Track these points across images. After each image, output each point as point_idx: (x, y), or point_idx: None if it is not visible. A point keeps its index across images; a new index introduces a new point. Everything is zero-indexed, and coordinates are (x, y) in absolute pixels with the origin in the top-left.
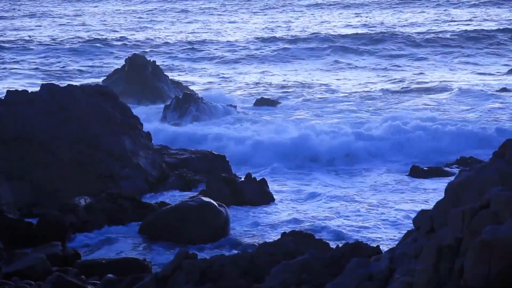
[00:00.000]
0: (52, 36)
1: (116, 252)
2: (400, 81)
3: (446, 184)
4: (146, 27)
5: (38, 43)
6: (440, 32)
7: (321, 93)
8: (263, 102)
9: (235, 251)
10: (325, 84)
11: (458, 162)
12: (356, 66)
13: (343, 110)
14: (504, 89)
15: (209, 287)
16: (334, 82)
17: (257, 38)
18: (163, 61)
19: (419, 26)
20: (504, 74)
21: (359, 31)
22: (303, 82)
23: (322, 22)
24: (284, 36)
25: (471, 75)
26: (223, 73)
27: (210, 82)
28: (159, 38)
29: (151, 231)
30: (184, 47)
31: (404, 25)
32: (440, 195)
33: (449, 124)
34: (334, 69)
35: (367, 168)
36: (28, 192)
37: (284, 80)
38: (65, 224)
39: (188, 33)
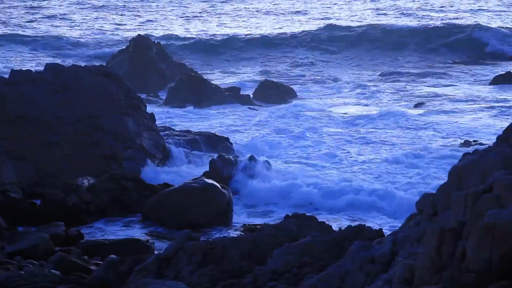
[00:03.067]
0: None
1: (119, 233)
2: None
3: None
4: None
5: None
6: None
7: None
8: (268, 86)
9: (238, 233)
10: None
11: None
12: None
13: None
14: None
15: (212, 268)
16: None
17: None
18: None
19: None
20: None
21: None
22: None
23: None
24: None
25: None
26: (218, 61)
27: (209, 66)
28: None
29: (154, 212)
30: (183, 35)
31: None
32: None
33: None
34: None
35: None
36: (31, 172)
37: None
38: (68, 204)
39: (188, 18)
